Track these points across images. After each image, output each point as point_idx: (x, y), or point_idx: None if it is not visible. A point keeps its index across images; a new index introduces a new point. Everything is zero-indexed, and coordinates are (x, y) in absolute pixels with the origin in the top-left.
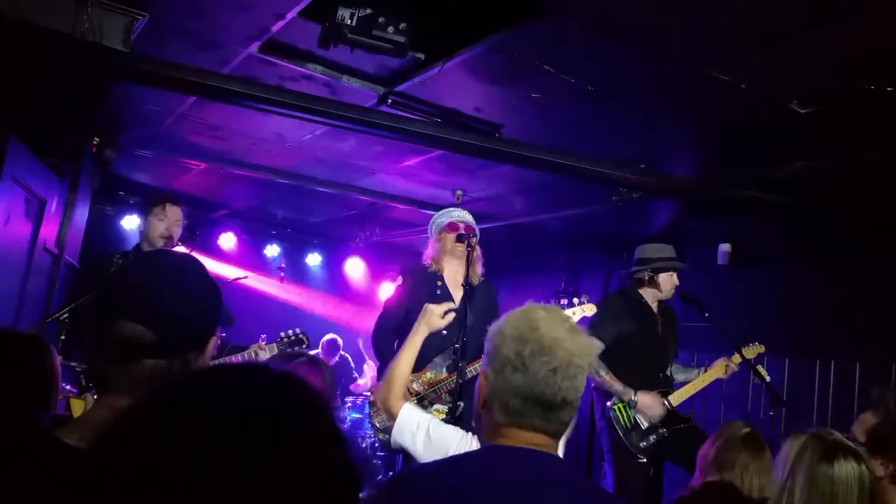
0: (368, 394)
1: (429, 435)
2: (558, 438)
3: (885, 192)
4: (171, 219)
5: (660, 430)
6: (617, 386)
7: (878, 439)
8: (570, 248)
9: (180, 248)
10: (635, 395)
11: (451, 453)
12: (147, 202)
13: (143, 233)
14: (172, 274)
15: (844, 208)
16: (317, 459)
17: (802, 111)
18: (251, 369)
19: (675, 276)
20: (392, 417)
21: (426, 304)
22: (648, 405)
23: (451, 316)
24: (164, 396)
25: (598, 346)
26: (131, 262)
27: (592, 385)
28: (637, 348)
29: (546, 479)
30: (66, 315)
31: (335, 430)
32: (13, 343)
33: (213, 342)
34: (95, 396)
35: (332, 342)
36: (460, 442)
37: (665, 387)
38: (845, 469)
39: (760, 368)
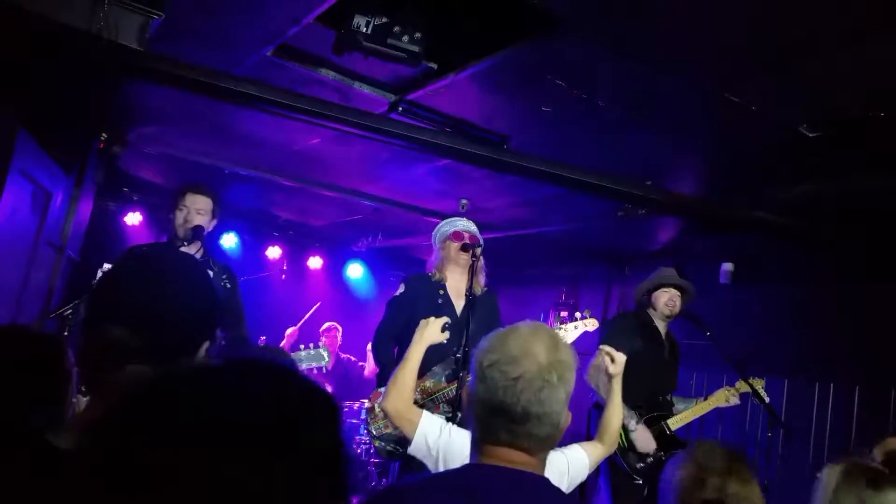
0: (365, 401)
1: (450, 443)
2: (539, 455)
3: (890, 217)
4: (190, 208)
5: (657, 453)
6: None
7: (893, 461)
8: (573, 261)
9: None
10: (637, 423)
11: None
12: (172, 195)
13: (173, 227)
14: (164, 278)
15: (849, 231)
16: (317, 455)
17: (811, 135)
18: (250, 366)
19: (672, 294)
20: (403, 425)
21: (423, 320)
22: (642, 438)
23: (447, 334)
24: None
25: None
26: (125, 263)
27: (592, 402)
28: (642, 368)
29: (527, 501)
30: (69, 311)
31: (336, 425)
32: (36, 343)
33: (205, 347)
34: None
35: (331, 327)
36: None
37: (665, 410)
38: (892, 498)
39: (760, 389)
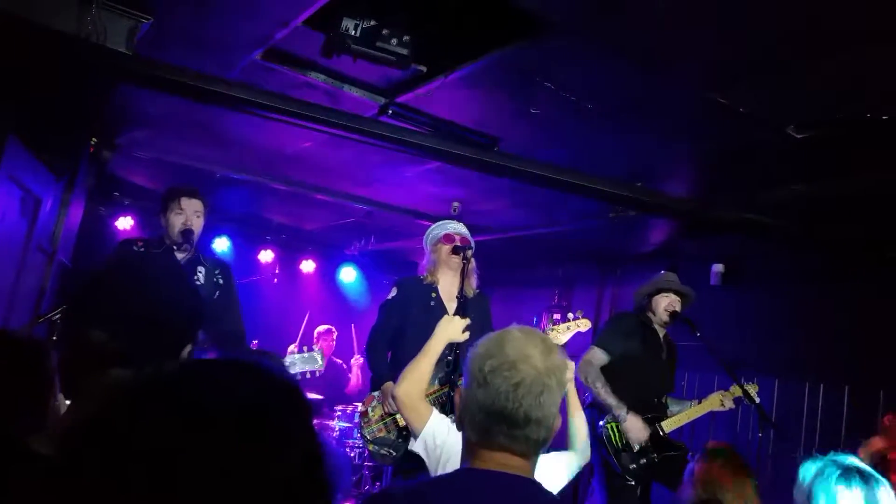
0: (358, 405)
1: (455, 444)
2: (531, 459)
3: (879, 217)
4: (188, 212)
5: (651, 455)
6: (611, 400)
7: (882, 463)
8: (565, 263)
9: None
10: (627, 413)
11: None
12: (163, 199)
13: (165, 230)
14: (146, 283)
15: (838, 233)
16: (298, 453)
17: (799, 136)
18: (232, 366)
19: (672, 298)
20: (411, 416)
21: (446, 316)
22: (634, 428)
23: (468, 334)
24: (145, 393)
25: (600, 357)
26: (108, 267)
27: (587, 402)
28: (639, 369)
29: None
30: (58, 315)
31: (310, 424)
32: (18, 347)
33: (188, 351)
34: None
35: (328, 329)
36: None
37: (659, 413)
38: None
39: (751, 390)
